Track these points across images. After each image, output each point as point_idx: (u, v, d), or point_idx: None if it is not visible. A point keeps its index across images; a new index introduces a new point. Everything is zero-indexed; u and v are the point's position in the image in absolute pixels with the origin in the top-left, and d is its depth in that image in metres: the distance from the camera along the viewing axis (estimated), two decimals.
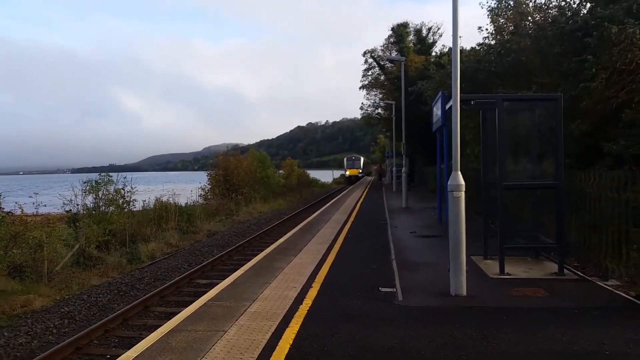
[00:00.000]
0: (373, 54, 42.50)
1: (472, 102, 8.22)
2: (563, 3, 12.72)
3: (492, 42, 17.28)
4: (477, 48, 19.19)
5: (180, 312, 6.34)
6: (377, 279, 7.79)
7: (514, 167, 9.92)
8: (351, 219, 16.66)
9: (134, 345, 5.21)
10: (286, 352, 4.74)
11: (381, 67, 42.58)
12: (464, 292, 6.70)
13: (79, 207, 20.27)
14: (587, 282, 7.46)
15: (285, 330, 5.35)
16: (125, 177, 22.70)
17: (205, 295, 6.83)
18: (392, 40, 40.93)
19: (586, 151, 10.53)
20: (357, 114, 52.01)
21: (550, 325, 5.45)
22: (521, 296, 6.71)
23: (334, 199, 27.13)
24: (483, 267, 8.55)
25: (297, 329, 5.37)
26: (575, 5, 11.50)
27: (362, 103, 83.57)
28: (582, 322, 5.55)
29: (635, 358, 4.58)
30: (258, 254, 10.46)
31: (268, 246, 11.31)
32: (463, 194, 6.73)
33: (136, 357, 4.75)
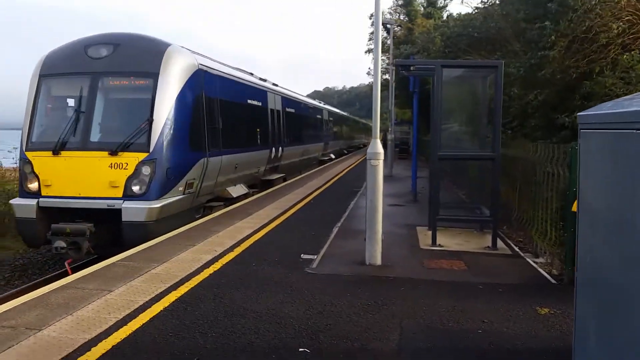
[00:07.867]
0: None
1: (412, 68, 7.87)
2: None
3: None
4: (472, 12, 18.49)
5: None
6: (306, 246, 7.68)
7: (472, 137, 9.63)
8: (326, 185, 16.52)
9: None
10: (155, 313, 4.73)
11: (388, 31, 41.35)
12: (378, 262, 6.59)
13: None
14: (517, 258, 7.27)
15: (170, 292, 5.33)
16: None
17: (117, 255, 6.82)
18: (400, 2, 39.60)
19: (549, 124, 10.16)
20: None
21: (443, 300, 5.31)
22: (437, 268, 6.58)
23: (324, 165, 26.89)
24: (421, 237, 8.40)
25: (183, 292, 5.34)
26: None
27: (369, 68, 79.91)
28: (478, 299, 5.38)
29: (507, 337, 4.44)
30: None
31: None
32: (381, 162, 6.54)
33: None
